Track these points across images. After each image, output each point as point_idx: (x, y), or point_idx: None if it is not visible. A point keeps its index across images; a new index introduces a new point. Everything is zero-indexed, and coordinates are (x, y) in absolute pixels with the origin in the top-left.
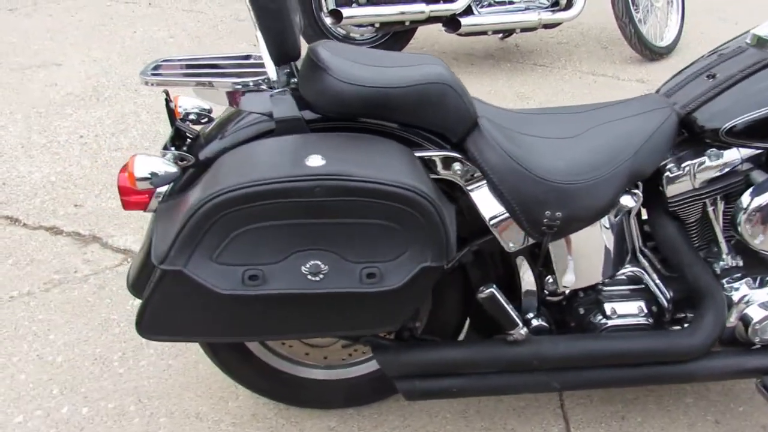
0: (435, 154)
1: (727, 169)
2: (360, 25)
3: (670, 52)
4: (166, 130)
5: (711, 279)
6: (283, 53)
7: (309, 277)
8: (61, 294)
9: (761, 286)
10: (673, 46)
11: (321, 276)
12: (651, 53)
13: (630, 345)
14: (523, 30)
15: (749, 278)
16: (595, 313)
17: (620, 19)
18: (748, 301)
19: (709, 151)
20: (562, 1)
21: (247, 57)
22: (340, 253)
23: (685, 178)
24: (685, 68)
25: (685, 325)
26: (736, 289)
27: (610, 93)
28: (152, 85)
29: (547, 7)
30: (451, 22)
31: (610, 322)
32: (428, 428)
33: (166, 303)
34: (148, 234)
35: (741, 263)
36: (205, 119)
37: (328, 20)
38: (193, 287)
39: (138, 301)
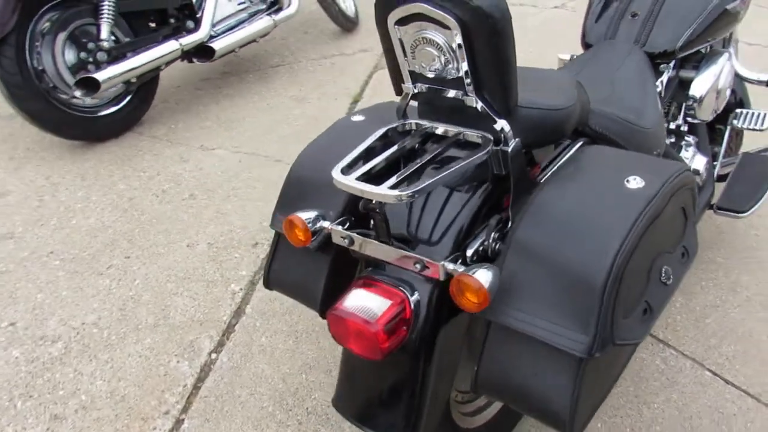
0: (583, 143)
1: (672, 75)
2: (113, 86)
3: (359, 21)
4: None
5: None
6: (512, 104)
7: (667, 283)
8: None
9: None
10: (357, 14)
11: (672, 277)
12: (351, 24)
13: None
14: (263, 36)
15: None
16: None
17: (325, 1)
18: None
19: (662, 68)
20: (282, 1)
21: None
22: (666, 249)
23: (659, 91)
24: (588, 18)
25: None
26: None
27: (354, 68)
28: (402, 199)
29: (269, 11)
30: (202, 52)
31: None
32: None
33: (593, 387)
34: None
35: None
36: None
37: (78, 93)
38: (612, 353)
39: None
